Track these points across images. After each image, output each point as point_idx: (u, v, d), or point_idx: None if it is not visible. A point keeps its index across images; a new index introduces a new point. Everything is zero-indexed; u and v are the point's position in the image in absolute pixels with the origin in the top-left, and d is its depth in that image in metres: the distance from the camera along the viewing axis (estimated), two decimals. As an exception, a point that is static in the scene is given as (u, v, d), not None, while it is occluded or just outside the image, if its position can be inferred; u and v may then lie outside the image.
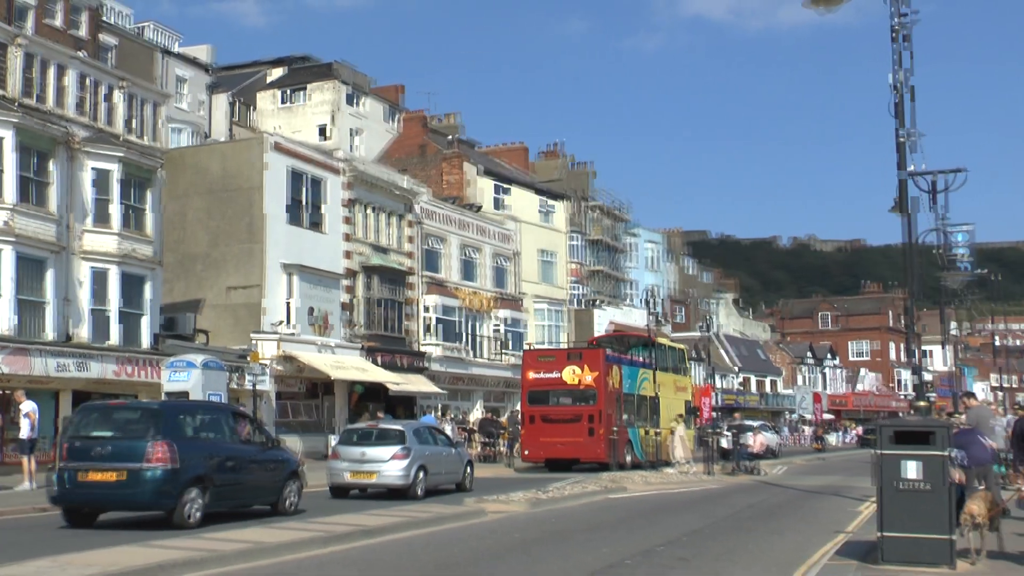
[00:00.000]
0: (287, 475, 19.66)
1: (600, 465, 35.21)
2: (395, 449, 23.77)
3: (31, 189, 30.52)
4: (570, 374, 36.45)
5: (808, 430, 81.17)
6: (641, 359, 41.51)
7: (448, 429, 36.11)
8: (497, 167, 63.08)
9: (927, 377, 42.29)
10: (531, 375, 37.55)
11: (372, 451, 23.96)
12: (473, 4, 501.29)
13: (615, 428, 36.32)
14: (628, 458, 37.09)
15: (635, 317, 67.90)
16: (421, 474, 24.10)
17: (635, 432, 38.14)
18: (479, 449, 41.32)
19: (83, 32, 43.24)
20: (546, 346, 52.84)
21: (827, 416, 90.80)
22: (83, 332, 31.72)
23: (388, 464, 23.57)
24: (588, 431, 35.36)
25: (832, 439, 77.26)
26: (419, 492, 23.82)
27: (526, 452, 37.01)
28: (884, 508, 12.15)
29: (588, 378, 36.15)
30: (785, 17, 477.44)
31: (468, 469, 27.32)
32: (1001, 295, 79.30)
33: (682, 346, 48.96)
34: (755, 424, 56.01)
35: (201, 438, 18.16)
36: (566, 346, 53.84)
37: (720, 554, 14.46)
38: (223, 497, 17.93)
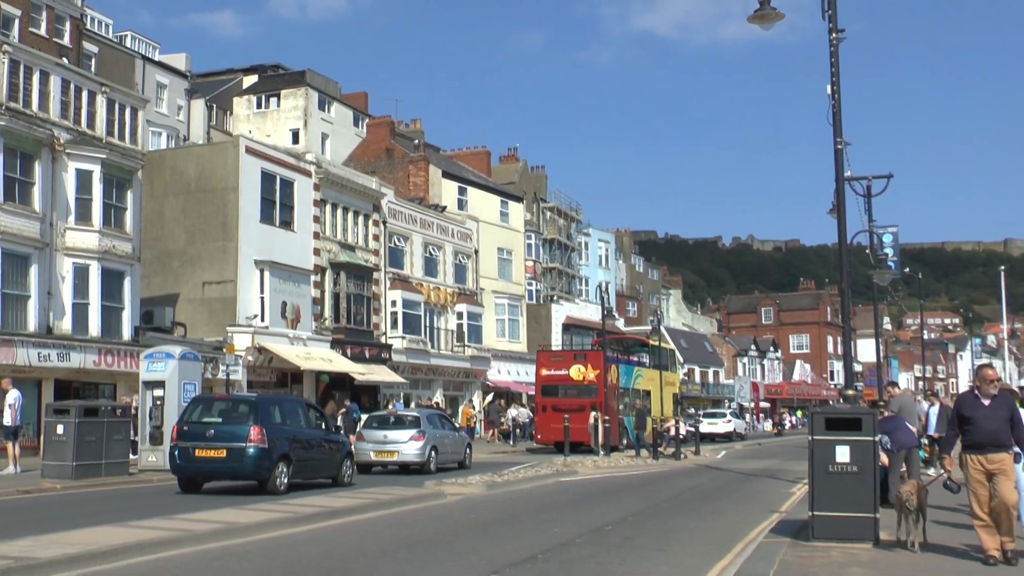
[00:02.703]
0: (344, 455, 22.56)
1: (588, 448, 37.65)
2: (412, 432, 26.29)
3: (16, 189, 30.19)
4: (576, 371, 40.15)
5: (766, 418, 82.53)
6: (636, 358, 45.37)
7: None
8: (459, 170, 62.91)
9: (857, 368, 43.00)
10: (543, 372, 41.44)
11: (393, 434, 26.44)
12: (436, 18, 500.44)
13: (607, 418, 38.39)
14: (624, 441, 40.39)
15: (590, 312, 68.00)
16: (433, 453, 26.50)
17: (629, 420, 40.51)
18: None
19: (66, 40, 42.81)
20: (506, 340, 56.26)
21: (763, 404, 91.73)
22: (65, 324, 31.39)
23: (407, 445, 26.09)
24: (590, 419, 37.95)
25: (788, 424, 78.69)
26: (433, 468, 26.17)
27: (539, 436, 40.62)
28: (815, 489, 12.30)
29: (591, 375, 39.86)
30: (727, 33, 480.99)
31: (468, 450, 29.73)
32: (923, 292, 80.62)
33: (672, 346, 51.60)
34: (727, 412, 59.42)
35: (286, 425, 20.71)
36: (525, 340, 57.03)
37: (665, 532, 14.56)
38: (300, 471, 20.72)
